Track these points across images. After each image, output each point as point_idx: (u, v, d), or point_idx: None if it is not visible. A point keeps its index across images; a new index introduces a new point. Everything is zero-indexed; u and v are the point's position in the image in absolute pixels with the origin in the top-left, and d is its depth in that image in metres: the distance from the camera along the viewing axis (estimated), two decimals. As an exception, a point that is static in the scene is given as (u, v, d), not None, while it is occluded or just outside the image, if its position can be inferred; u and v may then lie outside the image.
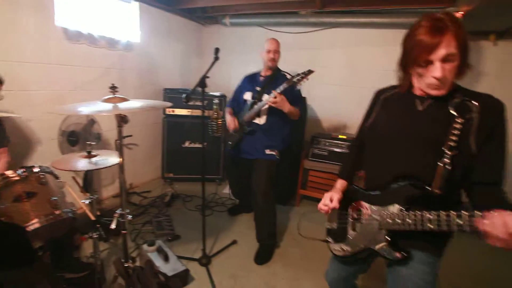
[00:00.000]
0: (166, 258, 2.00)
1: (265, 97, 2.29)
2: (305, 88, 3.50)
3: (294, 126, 3.07)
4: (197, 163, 3.36)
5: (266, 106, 2.27)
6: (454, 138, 0.92)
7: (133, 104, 1.28)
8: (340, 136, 3.11)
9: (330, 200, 1.23)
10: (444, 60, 0.88)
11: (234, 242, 2.51)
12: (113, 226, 1.33)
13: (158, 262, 1.98)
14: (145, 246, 2.12)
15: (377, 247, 1.07)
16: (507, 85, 2.78)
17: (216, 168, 3.65)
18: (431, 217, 0.89)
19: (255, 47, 3.55)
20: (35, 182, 1.25)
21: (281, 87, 2.12)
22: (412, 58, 0.94)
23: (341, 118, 3.49)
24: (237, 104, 2.57)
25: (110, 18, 2.85)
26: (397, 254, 1.01)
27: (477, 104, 0.93)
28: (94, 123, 2.52)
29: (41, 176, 1.28)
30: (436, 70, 0.89)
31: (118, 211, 1.41)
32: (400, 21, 2.79)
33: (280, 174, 3.09)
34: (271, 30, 3.61)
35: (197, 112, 3.42)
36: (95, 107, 1.22)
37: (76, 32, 2.52)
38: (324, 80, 3.45)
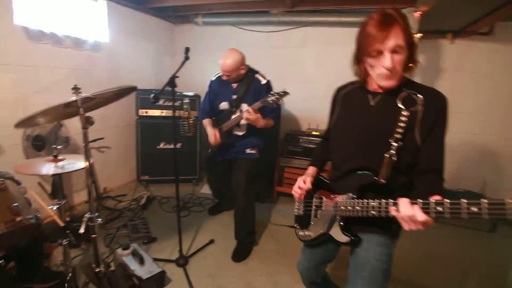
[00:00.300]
0: (141, 261, 1.96)
1: (244, 106, 2.25)
2: (278, 86, 3.54)
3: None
4: (173, 164, 3.30)
5: (236, 123, 2.26)
6: (400, 130, 0.98)
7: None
8: (313, 133, 3.18)
9: (303, 181, 1.28)
10: (393, 51, 0.93)
11: (211, 242, 2.50)
12: (82, 230, 1.28)
13: (133, 265, 1.92)
14: (119, 250, 2.05)
15: (331, 232, 1.15)
16: (464, 79, 2.97)
17: (192, 168, 3.61)
18: (374, 204, 0.97)
19: (228, 46, 3.51)
20: (-7, 188, 1.18)
21: (255, 105, 2.07)
22: (364, 49, 0.98)
23: (314, 115, 3.55)
24: (213, 112, 2.50)
25: (75, 17, 2.72)
26: (346, 238, 1.09)
27: (421, 97, 0.98)
28: (62, 126, 2.41)
29: (0, 182, 1.20)
30: (386, 60, 0.93)
31: (86, 215, 1.36)
32: (366, 21, 2.89)
33: (258, 172, 3.12)
34: (244, 29, 3.62)
35: (170, 113, 3.35)
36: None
37: (38, 31, 2.39)
38: (296, 78, 3.50)
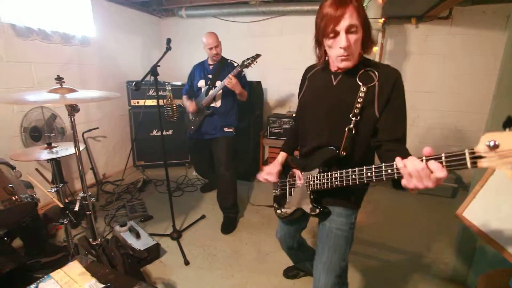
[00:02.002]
0: (137, 236, 2.04)
1: (218, 83, 2.36)
2: (260, 73, 3.58)
3: (252, 108, 3.16)
4: (166, 149, 3.34)
5: (221, 91, 2.34)
6: (358, 105, 0.99)
7: (82, 94, 1.27)
8: (293, 115, 3.23)
9: (268, 174, 1.31)
10: (348, 31, 0.91)
11: (202, 217, 2.59)
12: (76, 208, 1.33)
13: (131, 240, 2.01)
14: (117, 227, 2.13)
15: (304, 206, 1.17)
16: (429, 61, 3.03)
17: (184, 152, 3.65)
18: (337, 175, 0.99)
19: (211, 37, 3.51)
20: (-12, 172, 1.22)
21: (235, 71, 2.22)
22: (322, 31, 0.96)
23: (294, 99, 3.60)
24: (192, 91, 2.59)
25: (61, 13, 2.66)
26: (317, 210, 1.12)
27: (376, 73, 0.99)
28: (56, 118, 2.42)
29: (-6, 166, 1.25)
30: (342, 40, 0.92)
31: (80, 194, 1.41)
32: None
33: (244, 153, 3.20)
34: (225, 20, 3.58)
35: (160, 102, 3.36)
36: (40, 96, 1.19)
37: (25, 28, 2.35)
38: (277, 64, 3.52)
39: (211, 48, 2.36)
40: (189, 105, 2.47)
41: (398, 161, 0.78)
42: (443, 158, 0.68)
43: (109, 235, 2.25)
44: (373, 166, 0.88)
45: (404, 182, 0.78)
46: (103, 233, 2.27)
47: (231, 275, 1.90)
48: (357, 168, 0.92)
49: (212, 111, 2.44)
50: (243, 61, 2.23)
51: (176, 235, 2.23)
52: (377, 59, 3.01)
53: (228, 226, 2.42)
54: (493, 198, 1.10)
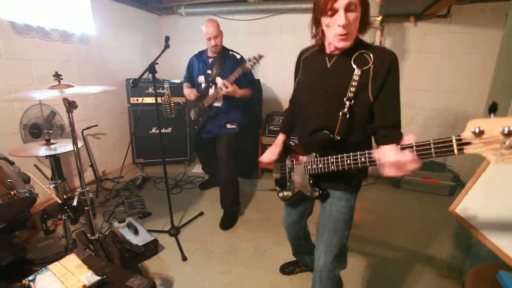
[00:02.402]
0: (136, 232, 2.06)
1: (218, 80, 2.32)
2: (260, 71, 3.58)
3: (252, 106, 3.17)
4: (165, 147, 3.36)
5: (216, 96, 2.32)
6: (352, 89, 0.98)
7: (79, 90, 1.28)
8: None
9: (271, 153, 1.37)
10: (347, 9, 0.91)
11: (201, 214, 2.60)
12: (74, 203, 1.35)
13: (129, 235, 2.03)
14: (116, 224, 2.15)
15: (303, 189, 1.22)
16: (428, 59, 3.04)
17: (183, 150, 3.67)
18: (333, 160, 1.01)
19: (210, 35, 3.51)
20: (-13, 168, 1.24)
21: (233, 77, 2.13)
22: (321, 9, 0.95)
23: (293, 97, 3.61)
24: (192, 80, 2.55)
25: (60, 11, 2.67)
26: (316, 193, 1.15)
27: (371, 55, 0.97)
28: (55, 115, 2.43)
29: (-7, 162, 1.27)
30: (341, 18, 0.91)
31: (78, 190, 1.43)
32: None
33: (243, 151, 3.20)
34: (224, 18, 3.59)
35: (159, 100, 3.36)
36: (41, 94, 1.20)
37: (25, 25, 2.36)
38: (276, 62, 3.52)
39: (209, 39, 2.24)
40: (190, 93, 2.42)
41: (375, 153, 0.85)
42: (431, 144, 0.70)
43: (108, 231, 2.27)
44: (351, 154, 0.94)
45: (380, 170, 0.84)
46: (102, 229, 2.29)
47: (228, 271, 1.91)
48: (351, 154, 0.95)
49: (215, 112, 2.41)
50: (244, 64, 2.13)
51: (174, 232, 2.25)
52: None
53: (227, 222, 2.43)
54: (485, 194, 1.11)
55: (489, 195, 1.09)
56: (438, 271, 1.92)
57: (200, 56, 2.47)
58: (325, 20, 0.97)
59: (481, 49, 2.80)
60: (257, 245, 2.21)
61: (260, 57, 2.13)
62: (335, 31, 0.95)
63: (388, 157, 0.80)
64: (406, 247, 2.20)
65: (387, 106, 0.99)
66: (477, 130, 0.60)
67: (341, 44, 0.97)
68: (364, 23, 0.98)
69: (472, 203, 1.15)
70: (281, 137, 1.43)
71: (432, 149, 0.70)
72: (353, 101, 0.99)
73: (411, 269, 1.95)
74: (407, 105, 3.21)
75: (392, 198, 3.03)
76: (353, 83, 0.98)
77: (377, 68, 0.97)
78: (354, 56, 1.00)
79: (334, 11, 0.93)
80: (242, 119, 2.52)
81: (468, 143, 0.62)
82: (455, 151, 0.66)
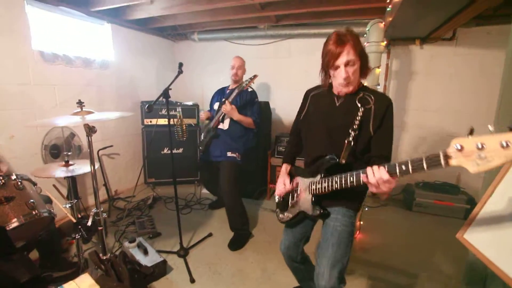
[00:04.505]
0: (145, 252, 2.10)
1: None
2: (268, 93, 3.70)
3: (260, 128, 3.25)
4: (176, 167, 3.45)
5: (221, 116, 2.47)
6: (357, 122, 1.18)
7: (99, 116, 1.39)
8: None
9: (284, 184, 1.44)
10: (346, 64, 1.13)
11: (210, 235, 2.62)
12: (89, 223, 1.42)
13: (139, 256, 2.07)
14: (126, 243, 2.20)
15: (306, 208, 1.31)
16: (433, 80, 3.07)
17: (193, 170, 3.74)
18: (336, 179, 1.15)
19: (222, 59, 3.70)
20: (13, 187, 1.33)
21: (232, 96, 2.34)
22: (326, 63, 1.18)
23: (302, 118, 3.68)
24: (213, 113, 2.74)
25: (84, 40, 2.91)
26: (317, 211, 1.26)
27: (372, 97, 1.20)
28: (74, 136, 2.58)
29: (18, 182, 1.36)
30: (342, 72, 1.14)
31: (93, 210, 1.50)
32: (343, 31, 3.03)
33: (252, 172, 3.25)
34: (235, 43, 3.77)
35: (171, 121, 3.51)
36: (65, 120, 1.31)
37: (52, 54, 2.58)
38: (285, 85, 3.64)
39: (233, 67, 2.55)
40: (203, 113, 2.65)
41: (363, 176, 1.03)
42: (423, 159, 0.84)
43: (118, 251, 2.32)
44: (343, 174, 1.11)
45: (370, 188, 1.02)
46: (113, 249, 2.34)
47: (235, 294, 1.90)
48: (368, 168, 1.04)
49: (217, 133, 2.53)
50: (240, 83, 2.36)
51: (183, 253, 2.27)
52: (382, 80, 3.07)
53: (237, 243, 2.44)
54: (493, 221, 1.10)
55: (498, 221, 1.08)
56: (454, 300, 1.85)
57: (222, 90, 2.76)
58: (330, 72, 1.21)
59: (488, 70, 2.82)
60: (264, 267, 2.20)
61: (254, 76, 2.38)
62: (339, 81, 1.18)
63: (370, 177, 0.98)
64: (418, 273, 2.13)
65: (383, 140, 1.20)
66: (458, 147, 0.74)
67: (345, 90, 1.21)
68: (364, 71, 1.20)
69: (482, 229, 1.14)
70: (285, 167, 1.51)
71: (424, 163, 0.83)
72: (357, 132, 1.18)
73: (425, 297, 1.89)
74: (415, 126, 3.22)
75: (404, 221, 2.96)
76: (357, 118, 1.18)
77: (378, 108, 1.18)
78: (358, 97, 1.21)
79: (336, 67, 1.15)
80: (242, 150, 2.58)
81: (452, 157, 0.76)
82: (442, 163, 0.79)
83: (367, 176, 1.00)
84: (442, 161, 0.79)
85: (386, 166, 0.95)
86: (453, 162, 0.76)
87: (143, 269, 1.71)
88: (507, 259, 1.05)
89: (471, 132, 0.74)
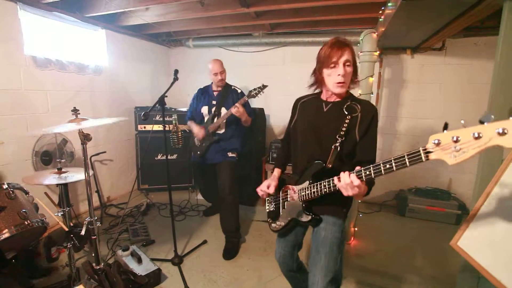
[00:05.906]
0: (139, 261, 2.06)
1: (223, 110, 2.48)
2: (263, 100, 3.71)
3: (255, 134, 3.26)
4: (170, 173, 3.43)
5: (224, 120, 2.46)
6: (344, 129, 1.23)
7: (94, 122, 1.37)
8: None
9: (267, 187, 1.45)
10: (345, 64, 1.19)
11: (204, 242, 2.59)
12: (82, 232, 1.39)
13: (132, 264, 2.02)
14: (119, 252, 2.16)
15: (297, 215, 1.32)
16: (424, 89, 3.15)
17: (188, 177, 3.71)
18: (325, 183, 1.18)
19: (217, 66, 3.69)
20: (5, 197, 1.29)
21: (242, 100, 2.34)
22: (325, 61, 1.21)
23: (297, 125, 3.70)
24: (196, 116, 2.67)
25: (78, 45, 2.88)
26: (308, 217, 1.28)
27: (359, 106, 1.25)
28: (66, 143, 2.53)
29: (10, 191, 1.32)
30: (340, 69, 1.19)
31: (87, 219, 1.47)
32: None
33: (246, 178, 3.24)
34: (230, 50, 3.79)
35: (166, 127, 3.47)
36: (60, 128, 1.29)
37: (45, 59, 2.54)
38: (278, 92, 3.66)
39: (216, 74, 2.48)
40: (198, 131, 2.56)
41: (335, 180, 1.09)
42: (405, 156, 0.88)
43: (111, 259, 2.27)
44: (330, 179, 1.15)
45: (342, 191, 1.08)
46: (106, 257, 2.29)
47: (231, 303, 1.88)
48: (340, 174, 1.09)
49: (218, 138, 2.53)
50: (250, 91, 2.33)
51: (178, 261, 2.24)
52: (375, 88, 3.13)
53: (230, 252, 2.42)
54: (487, 227, 1.13)
55: (492, 227, 1.11)
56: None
57: (206, 90, 2.68)
58: (326, 71, 1.23)
59: (476, 79, 2.91)
60: (260, 275, 2.18)
61: (264, 86, 2.35)
62: (335, 80, 1.21)
63: (342, 181, 1.05)
64: (412, 279, 2.15)
65: (368, 146, 1.25)
66: (436, 141, 0.79)
67: (338, 90, 1.23)
68: (354, 79, 1.27)
69: (475, 237, 1.17)
70: (277, 171, 1.55)
71: (406, 159, 0.88)
72: (344, 138, 1.23)
73: (419, 303, 1.90)
74: (409, 134, 3.28)
75: (397, 227, 3.00)
76: (344, 125, 1.23)
77: (364, 116, 1.23)
78: (346, 105, 1.26)
79: (336, 64, 1.20)
80: (240, 149, 2.62)
81: (431, 152, 0.81)
82: (423, 158, 0.83)
83: (339, 180, 1.07)
84: (423, 156, 0.83)
85: (355, 172, 1.03)
86: (432, 156, 0.81)
87: (137, 278, 1.68)
88: (500, 266, 1.07)
89: (445, 127, 0.78)
